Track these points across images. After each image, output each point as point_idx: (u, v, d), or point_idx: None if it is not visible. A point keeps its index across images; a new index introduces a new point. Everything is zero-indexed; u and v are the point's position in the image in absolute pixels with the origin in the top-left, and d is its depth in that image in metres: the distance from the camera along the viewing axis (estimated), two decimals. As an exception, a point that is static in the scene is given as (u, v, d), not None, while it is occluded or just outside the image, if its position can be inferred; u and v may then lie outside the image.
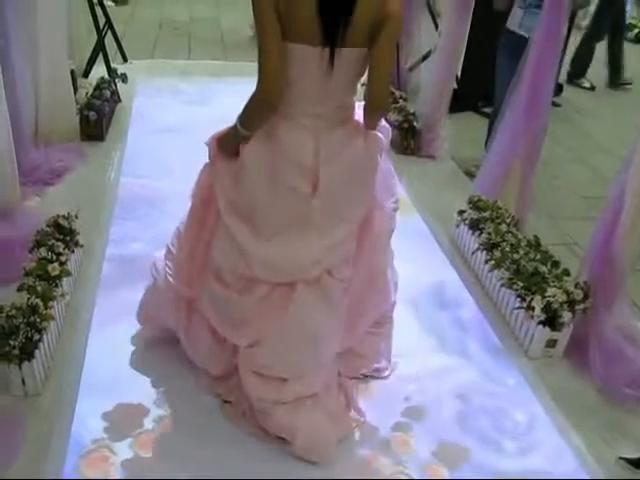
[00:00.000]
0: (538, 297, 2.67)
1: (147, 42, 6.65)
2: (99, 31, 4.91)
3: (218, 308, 2.22)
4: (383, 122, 2.16)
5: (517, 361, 2.72)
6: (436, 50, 4.60)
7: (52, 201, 3.51)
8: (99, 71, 5.03)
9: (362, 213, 2.16)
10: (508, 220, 3.16)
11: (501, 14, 4.19)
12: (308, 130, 1.98)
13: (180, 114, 4.78)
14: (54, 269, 2.58)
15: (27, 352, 2.27)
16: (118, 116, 4.72)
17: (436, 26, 5.73)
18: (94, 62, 5.16)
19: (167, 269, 2.35)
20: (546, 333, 2.68)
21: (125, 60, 5.82)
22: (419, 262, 3.25)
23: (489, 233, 3.10)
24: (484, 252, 3.09)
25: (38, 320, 2.33)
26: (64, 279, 2.66)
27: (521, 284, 2.77)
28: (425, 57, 5.58)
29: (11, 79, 3.59)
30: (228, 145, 2.08)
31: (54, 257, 2.67)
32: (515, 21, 3.84)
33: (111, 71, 4.84)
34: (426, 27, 5.70)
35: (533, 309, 2.68)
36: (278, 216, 2.06)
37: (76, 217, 2.97)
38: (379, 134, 2.10)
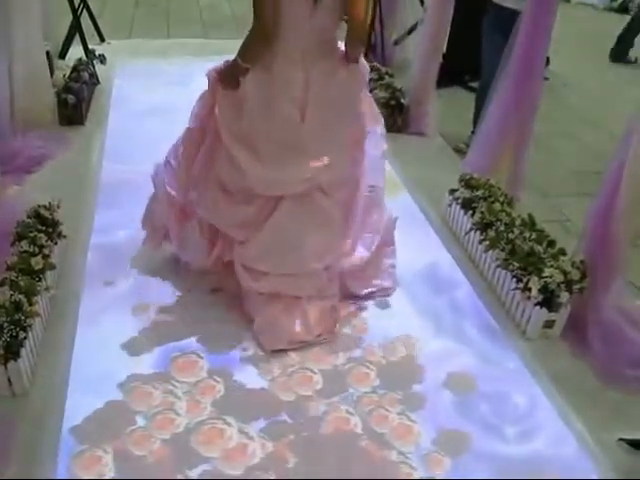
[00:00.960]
0: (535, 278, 2.62)
1: (125, 21, 6.48)
2: (74, 11, 4.75)
3: (220, 212, 2.58)
4: (362, 59, 2.45)
5: (515, 343, 2.68)
6: (422, 23, 4.51)
7: (32, 190, 3.40)
8: (76, 52, 4.90)
9: (352, 137, 2.54)
10: (501, 199, 3.10)
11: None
12: (297, 63, 2.30)
13: (162, 95, 4.65)
14: (37, 263, 2.50)
15: (12, 351, 2.19)
16: (98, 99, 4.59)
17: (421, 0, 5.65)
18: (70, 43, 5.01)
19: (165, 179, 2.67)
20: (543, 314, 2.64)
21: (102, 40, 5.66)
22: (411, 243, 3.18)
23: (482, 212, 3.05)
24: (478, 232, 3.03)
25: (22, 318, 2.25)
26: (48, 272, 2.57)
27: (517, 264, 2.72)
28: (411, 30, 5.50)
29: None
30: (228, 77, 2.39)
31: (36, 250, 2.58)
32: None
33: (89, 52, 4.70)
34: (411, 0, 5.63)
35: (530, 290, 2.63)
36: (274, 142, 2.39)
37: (58, 207, 2.88)
38: (360, 65, 2.43)
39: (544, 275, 2.61)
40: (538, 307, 2.63)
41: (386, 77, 4.59)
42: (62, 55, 5.02)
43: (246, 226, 2.56)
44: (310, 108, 2.34)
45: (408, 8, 5.53)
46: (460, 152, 4.15)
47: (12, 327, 2.21)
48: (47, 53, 4.52)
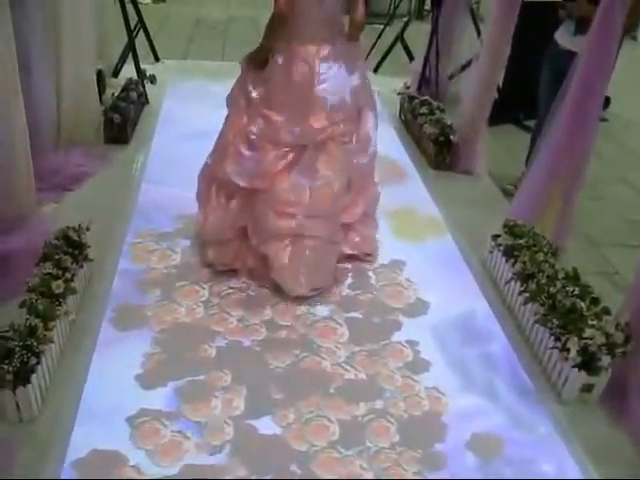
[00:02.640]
0: (574, 338, 2.46)
1: (181, 41, 6.55)
2: (129, 31, 4.79)
3: (245, 167, 2.90)
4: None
5: (549, 406, 2.51)
6: (477, 58, 4.39)
7: (69, 208, 3.42)
8: (130, 70, 4.94)
9: (355, 97, 2.95)
10: (546, 249, 2.94)
11: (549, 23, 3.99)
12: (310, 42, 2.79)
13: (209, 118, 4.54)
14: (58, 286, 2.46)
15: (22, 377, 2.14)
16: (145, 119, 4.61)
17: (478, 33, 5.53)
18: (124, 62, 5.06)
19: (208, 161, 3.11)
20: (582, 377, 2.47)
21: (157, 60, 5.72)
22: (448, 288, 3.09)
23: (524, 262, 2.89)
24: (518, 282, 2.88)
25: (35, 343, 2.20)
26: (70, 297, 2.53)
27: (557, 322, 2.56)
28: (465, 66, 5.37)
29: (30, 81, 3.49)
30: (257, 59, 2.86)
31: (60, 273, 2.54)
32: (565, 34, 3.61)
33: (140, 72, 4.72)
34: (468, 34, 5.51)
35: (568, 350, 2.46)
36: (295, 103, 2.84)
37: (87, 229, 2.84)
38: (359, 43, 2.98)
39: (585, 336, 2.44)
40: (576, 369, 2.45)
41: (437, 112, 4.47)
42: (115, 74, 5.07)
43: (267, 176, 2.89)
44: (323, 73, 2.82)
45: (465, 41, 5.42)
46: (508, 194, 4.00)
47: (24, 352, 2.16)
48: (99, 72, 4.58)
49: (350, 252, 3.20)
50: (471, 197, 3.93)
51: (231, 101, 3.01)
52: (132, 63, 4.94)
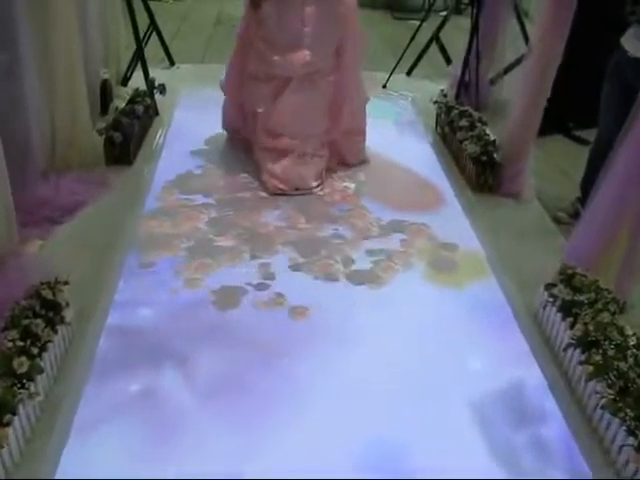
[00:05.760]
0: (656, 437, 1.96)
1: (200, 42, 6.11)
2: (137, 33, 4.35)
3: (249, 92, 3.69)
4: None
5: (618, 514, 2.02)
6: (523, 61, 3.87)
7: (57, 246, 3.00)
8: (140, 78, 4.52)
9: (339, 36, 3.55)
10: (612, 308, 2.43)
11: (608, 20, 3.46)
12: None
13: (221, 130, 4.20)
14: (21, 364, 2.03)
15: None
16: (153, 133, 4.18)
17: (524, 31, 5.00)
18: (133, 69, 4.64)
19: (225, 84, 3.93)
20: (664, 484, 1.97)
21: (172, 64, 5.30)
22: (492, 350, 2.59)
23: (586, 324, 2.39)
24: (578, 350, 2.38)
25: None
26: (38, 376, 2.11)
27: (631, 413, 2.05)
28: (509, 69, 4.85)
29: (19, 99, 3.11)
30: (253, 2, 3.46)
31: (27, 344, 2.13)
32: (634, 40, 3.07)
33: (148, 81, 4.28)
34: (512, 32, 4.97)
35: (647, 451, 1.97)
36: (284, 41, 3.45)
37: (66, 283, 2.42)
38: None
39: (668, 435, 1.95)
40: (657, 474, 1.96)
41: (478, 125, 3.96)
42: (124, 82, 4.66)
43: (265, 100, 3.58)
44: (307, 16, 3.41)
45: (509, 41, 4.88)
46: (560, 222, 3.49)
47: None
48: (105, 81, 4.18)
49: (337, 162, 3.89)
50: (518, 227, 3.41)
51: (237, 36, 3.73)
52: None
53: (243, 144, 3.94)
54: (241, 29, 3.68)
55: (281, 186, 3.55)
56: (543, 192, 3.77)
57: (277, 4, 3.39)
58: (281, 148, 3.58)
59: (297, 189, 3.59)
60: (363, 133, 3.97)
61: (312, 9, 3.38)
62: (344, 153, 3.90)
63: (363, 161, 3.98)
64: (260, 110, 3.57)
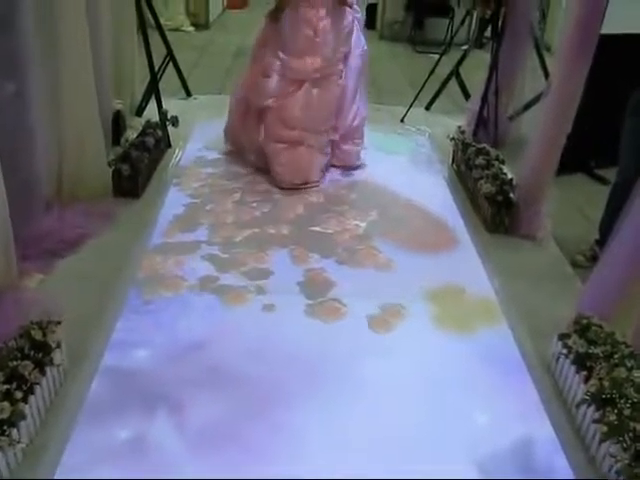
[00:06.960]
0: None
1: (219, 73, 6.10)
2: (151, 63, 4.32)
3: (259, 89, 3.97)
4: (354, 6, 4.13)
5: None
6: (545, 97, 3.76)
7: (58, 280, 2.94)
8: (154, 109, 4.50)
9: (347, 48, 4.06)
10: (629, 363, 2.30)
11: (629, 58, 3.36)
12: (312, 7, 3.86)
13: (237, 162, 4.16)
14: (2, 410, 1.95)
15: None
16: (164, 166, 4.13)
17: (544, 67, 4.90)
18: (148, 100, 4.61)
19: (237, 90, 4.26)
20: None
21: (188, 95, 5.28)
22: (501, 402, 2.46)
23: (600, 379, 2.25)
24: (592, 406, 2.24)
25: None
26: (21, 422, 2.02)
27: (647, 481, 1.91)
28: (529, 105, 4.75)
29: (25, 129, 3.08)
30: (273, 16, 3.92)
31: (13, 387, 2.05)
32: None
33: (161, 113, 4.25)
34: (531, 67, 4.88)
35: (664, 523, 1.82)
36: (298, 49, 3.90)
37: (58, 324, 2.34)
38: (351, 9, 4.08)
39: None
40: None
41: (495, 164, 3.85)
42: (139, 113, 4.64)
43: (277, 93, 3.91)
44: (320, 28, 3.87)
45: (528, 77, 4.79)
46: (578, 266, 3.35)
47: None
48: (118, 112, 4.15)
49: (337, 164, 4.26)
50: (533, 270, 3.29)
51: (256, 44, 4.08)
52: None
53: (245, 160, 4.23)
54: (258, 37, 4.06)
55: (292, 179, 3.92)
56: (561, 233, 3.65)
57: (293, 18, 3.87)
58: (294, 139, 3.90)
59: (306, 182, 3.96)
60: (361, 137, 4.33)
61: (324, 24, 3.87)
62: (342, 155, 4.25)
63: (358, 166, 4.32)
64: (271, 102, 3.89)
